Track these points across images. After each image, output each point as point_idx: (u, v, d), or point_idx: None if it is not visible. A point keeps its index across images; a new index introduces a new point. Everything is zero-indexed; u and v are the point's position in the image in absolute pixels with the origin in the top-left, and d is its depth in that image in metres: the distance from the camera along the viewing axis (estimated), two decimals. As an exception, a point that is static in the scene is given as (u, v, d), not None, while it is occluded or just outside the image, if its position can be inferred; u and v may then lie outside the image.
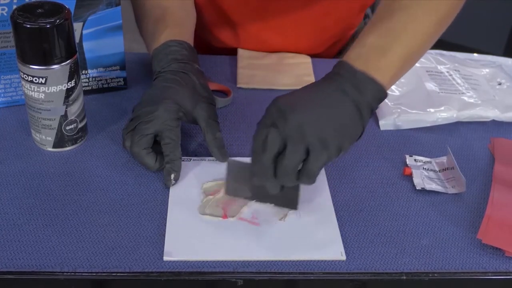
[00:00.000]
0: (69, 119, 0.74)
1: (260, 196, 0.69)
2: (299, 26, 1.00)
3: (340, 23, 1.03)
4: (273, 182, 0.64)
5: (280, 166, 0.62)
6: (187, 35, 0.84)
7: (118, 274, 0.61)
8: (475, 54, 1.07)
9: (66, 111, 0.73)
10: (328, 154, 0.61)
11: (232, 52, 1.03)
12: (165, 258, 0.62)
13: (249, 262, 0.63)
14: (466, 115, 0.88)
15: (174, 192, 0.71)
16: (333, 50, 1.10)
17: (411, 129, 0.86)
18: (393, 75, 0.65)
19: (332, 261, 0.64)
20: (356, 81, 0.63)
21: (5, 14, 0.75)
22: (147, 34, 0.85)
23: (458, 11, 0.71)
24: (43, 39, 0.67)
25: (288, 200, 0.69)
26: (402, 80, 0.95)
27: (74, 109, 0.74)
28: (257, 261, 0.63)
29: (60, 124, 0.74)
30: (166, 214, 0.68)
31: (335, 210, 0.70)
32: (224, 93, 0.91)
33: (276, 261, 0.63)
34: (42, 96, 0.71)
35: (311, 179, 0.63)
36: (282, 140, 0.62)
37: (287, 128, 0.61)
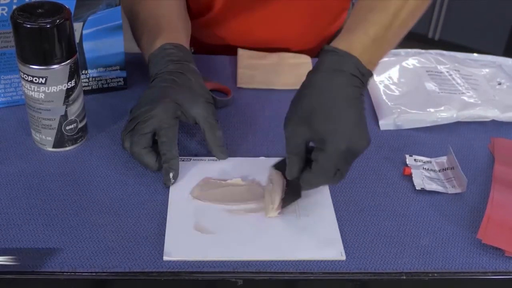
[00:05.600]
0: (69, 119, 0.74)
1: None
2: (285, 18, 1.02)
3: (327, 13, 1.05)
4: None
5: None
6: (182, 40, 0.84)
7: (118, 274, 0.61)
8: (475, 54, 1.07)
9: (66, 111, 0.73)
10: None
11: (231, 52, 1.03)
12: (165, 258, 0.62)
13: (249, 262, 0.63)
14: (466, 115, 0.88)
15: (174, 192, 0.71)
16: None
17: (411, 129, 0.86)
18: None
19: (332, 261, 0.64)
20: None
21: (5, 14, 0.75)
22: (142, 43, 0.86)
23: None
24: (43, 39, 0.67)
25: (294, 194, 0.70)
26: (402, 80, 0.95)
27: (74, 109, 0.74)
28: (257, 261, 0.63)
29: (60, 124, 0.74)
30: (166, 214, 0.68)
31: (335, 210, 0.70)
32: (224, 93, 0.91)
33: (276, 261, 0.63)
34: (42, 96, 0.71)
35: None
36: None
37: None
